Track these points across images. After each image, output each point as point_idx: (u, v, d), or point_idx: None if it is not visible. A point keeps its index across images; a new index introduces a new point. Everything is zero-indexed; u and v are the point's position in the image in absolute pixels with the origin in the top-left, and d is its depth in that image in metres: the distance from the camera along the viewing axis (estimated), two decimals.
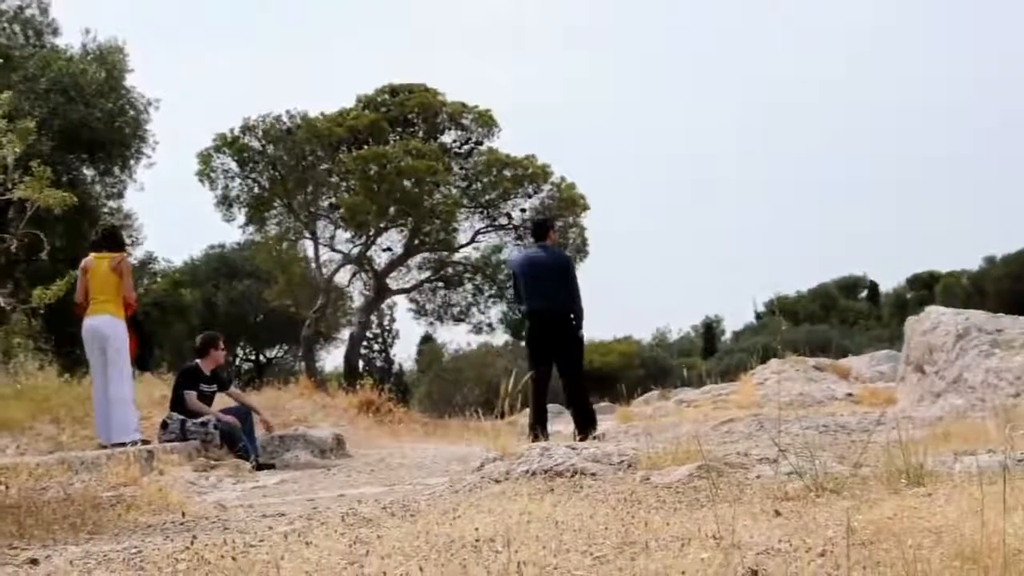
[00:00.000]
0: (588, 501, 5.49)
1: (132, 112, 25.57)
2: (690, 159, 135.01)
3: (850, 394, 18.55)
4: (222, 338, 13.57)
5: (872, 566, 3.64)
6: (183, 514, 7.03)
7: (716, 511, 4.61)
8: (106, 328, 11.93)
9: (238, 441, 12.36)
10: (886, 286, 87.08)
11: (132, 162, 26.16)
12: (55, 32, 26.10)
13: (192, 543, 5.06)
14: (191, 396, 12.74)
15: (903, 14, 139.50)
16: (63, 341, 23.91)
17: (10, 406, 13.97)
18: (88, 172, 25.80)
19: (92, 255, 11.87)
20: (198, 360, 13.16)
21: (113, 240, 12.25)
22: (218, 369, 13.34)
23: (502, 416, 8.59)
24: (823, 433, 10.61)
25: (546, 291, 11.90)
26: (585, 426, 11.48)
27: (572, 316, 11.97)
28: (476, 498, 6.01)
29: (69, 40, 26.51)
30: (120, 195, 27.31)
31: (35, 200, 7.36)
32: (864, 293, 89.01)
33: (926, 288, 76.95)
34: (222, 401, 13.32)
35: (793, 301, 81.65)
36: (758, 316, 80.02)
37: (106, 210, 26.71)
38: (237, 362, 45.78)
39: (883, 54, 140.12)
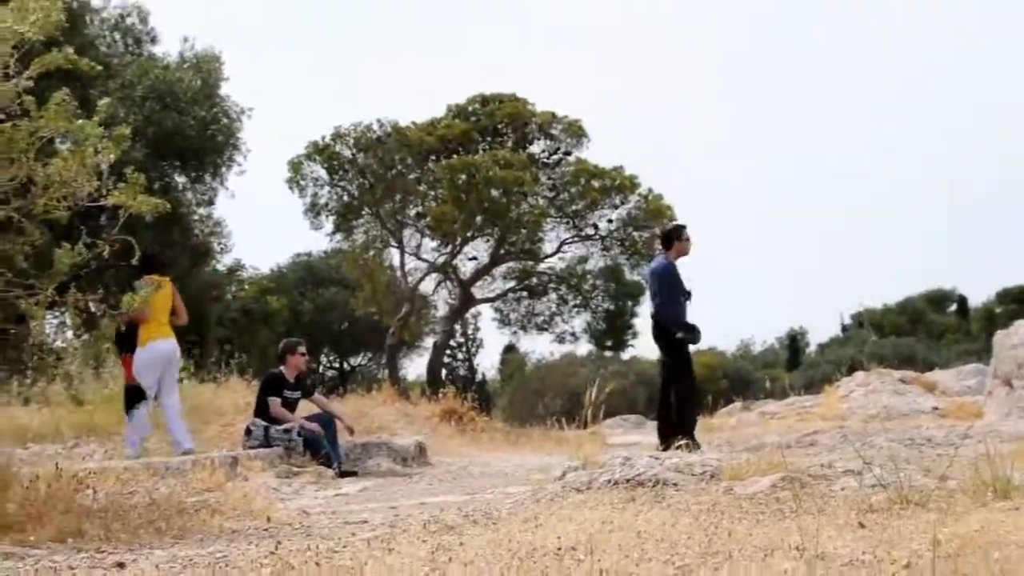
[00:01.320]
0: (670, 511, 5.47)
1: (225, 120, 25.80)
2: (778, 168, 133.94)
3: (936, 407, 18.36)
4: (303, 344, 13.63)
5: None
6: (268, 519, 7.10)
7: (800, 522, 4.59)
8: (178, 352, 12.19)
9: (321, 448, 12.43)
10: (975, 300, 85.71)
11: (224, 170, 26.39)
12: (154, 40, 26.42)
13: (276, 548, 5.11)
14: (275, 403, 12.84)
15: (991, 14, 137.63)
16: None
17: (99, 411, 14.17)
18: (180, 179, 26.07)
19: (155, 276, 11.86)
20: (281, 367, 13.26)
21: (166, 263, 12.38)
22: (301, 376, 13.41)
23: (584, 426, 8.60)
24: (908, 446, 10.51)
25: (651, 299, 12.32)
26: (670, 434, 11.30)
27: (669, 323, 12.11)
28: (558, 507, 6.02)
29: (167, 48, 26.88)
30: (211, 202, 27.56)
31: (128, 206, 7.42)
32: (953, 307, 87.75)
33: (1016, 302, 75.60)
34: (306, 408, 13.40)
35: (880, 314, 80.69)
36: (844, 328, 79.21)
37: (196, 217, 27.00)
38: (321, 369, 46.07)
39: (981, 50, 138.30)
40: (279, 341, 14.45)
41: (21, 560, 5.13)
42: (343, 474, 12.03)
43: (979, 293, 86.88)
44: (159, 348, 11.97)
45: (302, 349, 13.46)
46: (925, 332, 76.70)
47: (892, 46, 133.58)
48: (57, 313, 18.63)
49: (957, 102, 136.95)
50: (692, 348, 12.30)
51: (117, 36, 25.99)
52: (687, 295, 12.10)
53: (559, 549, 4.42)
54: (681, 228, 12.44)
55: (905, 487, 5.49)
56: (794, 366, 70.38)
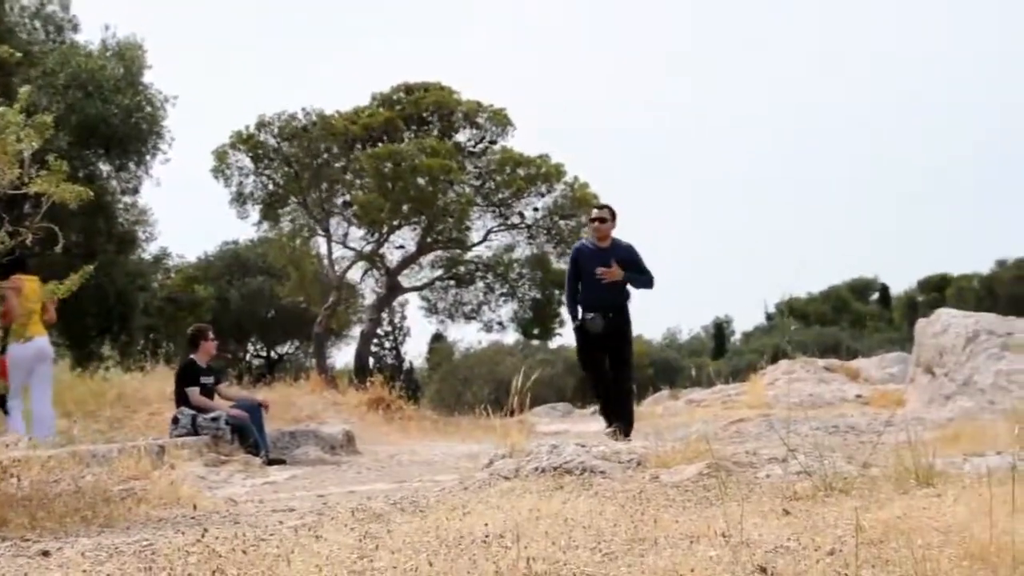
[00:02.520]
0: (597, 498, 5.50)
1: (149, 108, 25.53)
2: (702, 159, 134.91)
3: (860, 395, 18.57)
4: (211, 329, 13.61)
5: (881, 565, 3.65)
6: (194, 507, 7.06)
7: (725, 509, 4.63)
8: (50, 349, 12.46)
9: (249, 436, 12.38)
10: (897, 289, 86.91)
11: (148, 158, 26.10)
12: (75, 28, 26.05)
13: (203, 536, 5.07)
14: (194, 392, 12.79)
15: (907, 17, 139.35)
16: (76, 336, 23.99)
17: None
18: (104, 167, 25.77)
19: (21, 276, 11.88)
20: (192, 355, 13.20)
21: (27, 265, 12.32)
22: (212, 361, 13.38)
23: (512, 414, 8.60)
24: (833, 434, 10.64)
25: None
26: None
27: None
28: (486, 495, 6.03)
29: (89, 36, 26.49)
30: (136, 191, 27.25)
31: (51, 194, 7.34)
32: (875, 296, 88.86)
33: (937, 291, 76.69)
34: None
35: (804, 303, 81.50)
36: (768, 317, 79.83)
37: (121, 206, 26.72)
38: (248, 358, 45.80)
39: (893, 55, 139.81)
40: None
41: None
42: (271, 462, 11.99)
43: (901, 282, 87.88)
44: (37, 344, 12.11)
45: (211, 334, 13.43)
46: (849, 321, 77.62)
47: (807, 37, 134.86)
48: None
49: (877, 91, 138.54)
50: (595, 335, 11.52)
51: (38, 24, 25.61)
52: (582, 278, 11.66)
53: (486, 537, 4.43)
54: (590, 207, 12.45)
55: (829, 474, 5.55)
56: (720, 355, 71.02)
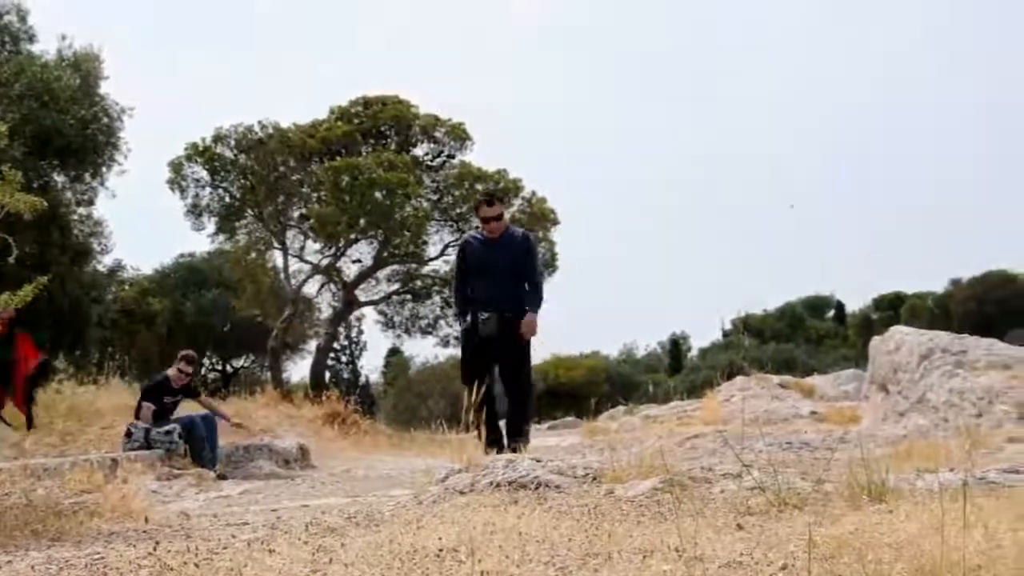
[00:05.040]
0: (552, 513, 5.50)
1: (105, 119, 25.46)
2: (660, 175, 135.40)
3: (815, 412, 18.65)
4: (196, 359, 13.69)
5: None
6: (146, 520, 7.03)
7: (679, 524, 4.63)
8: None
9: (203, 451, 12.37)
10: (852, 306, 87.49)
11: (104, 169, 26.04)
12: (32, 39, 25.96)
13: (155, 550, 5.05)
14: (147, 408, 12.78)
15: (835, 28, 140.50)
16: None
17: None
18: (59, 178, 25.68)
19: None
20: (168, 372, 13.18)
21: None
22: (185, 383, 13.35)
23: (467, 429, 8.59)
24: (787, 450, 10.69)
25: None
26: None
27: None
28: (440, 509, 6.02)
29: (45, 46, 26.39)
30: (91, 202, 27.18)
31: (5, 204, 7.30)
32: (831, 313, 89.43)
33: (892, 309, 77.28)
34: (189, 409, 13.34)
35: (760, 319, 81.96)
36: (725, 334, 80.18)
37: (76, 217, 26.59)
38: (204, 371, 45.60)
39: (851, 72, 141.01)
40: (161, 342, 14.34)
41: None
42: (222, 477, 11.95)
43: (856, 300, 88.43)
44: None
45: (192, 364, 13.47)
46: (804, 338, 78.06)
47: (762, 47, 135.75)
48: None
49: (835, 107, 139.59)
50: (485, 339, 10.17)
51: None
52: (471, 275, 10.50)
53: (440, 551, 4.42)
54: (479, 202, 10.93)
55: (783, 490, 5.57)
56: (676, 371, 71.17)
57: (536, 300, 10.44)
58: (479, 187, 32.06)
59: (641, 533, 4.77)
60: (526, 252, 10.53)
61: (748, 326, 75.86)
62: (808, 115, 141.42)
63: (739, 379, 21.96)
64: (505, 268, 10.32)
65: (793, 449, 11.37)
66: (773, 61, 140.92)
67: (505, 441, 9.82)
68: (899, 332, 16.71)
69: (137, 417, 12.81)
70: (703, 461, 8.02)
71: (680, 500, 5.72)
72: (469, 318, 10.34)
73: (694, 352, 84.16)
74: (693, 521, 4.76)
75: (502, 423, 10.21)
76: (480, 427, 9.35)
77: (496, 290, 10.25)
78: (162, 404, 12.92)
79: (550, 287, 35.56)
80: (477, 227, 10.99)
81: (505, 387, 10.27)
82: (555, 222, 33.54)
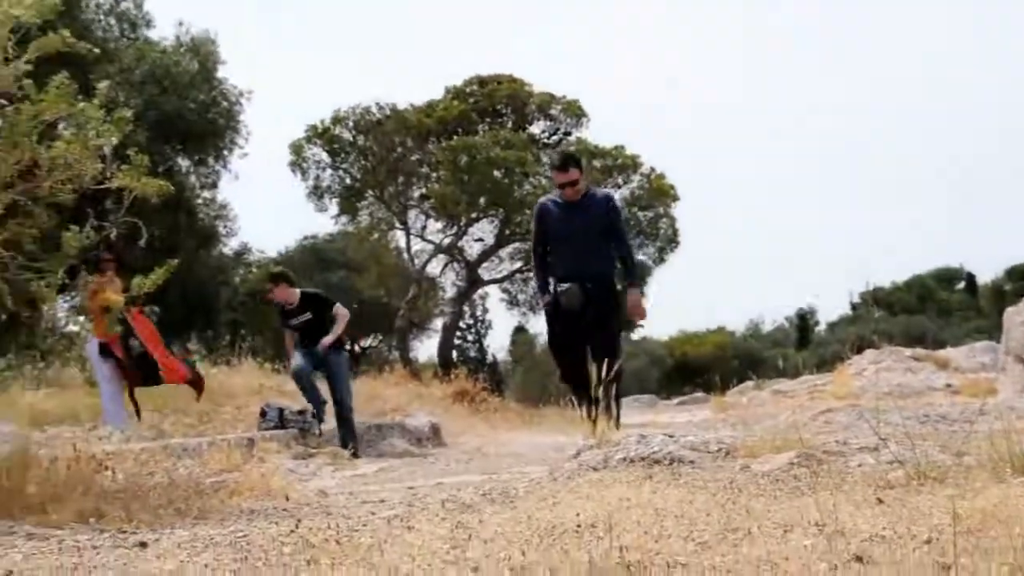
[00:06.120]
0: (687, 488, 5.48)
1: (225, 103, 25.85)
2: (784, 147, 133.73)
3: (949, 384, 18.35)
4: (272, 279, 13.65)
5: (980, 553, 3.60)
6: (287, 499, 7.13)
7: (817, 499, 4.59)
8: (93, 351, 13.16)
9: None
10: (984, 277, 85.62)
11: (226, 152, 26.46)
12: (149, 24, 26.40)
13: (296, 527, 5.12)
14: (288, 337, 13.11)
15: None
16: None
17: None
18: (183, 163, 26.14)
19: (99, 277, 12.32)
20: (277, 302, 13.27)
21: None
22: (291, 305, 13.21)
23: (596, 405, 8.56)
24: (923, 423, 10.50)
25: None
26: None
27: None
28: (575, 485, 6.02)
29: (163, 32, 26.84)
30: (214, 185, 27.65)
31: (133, 189, 7.44)
32: (961, 285, 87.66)
33: None
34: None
35: (888, 292, 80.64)
36: (853, 307, 79.06)
37: (201, 200, 27.05)
38: None
39: (982, 29, 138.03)
40: None
41: (44, 540, 5.15)
42: (356, 455, 12.09)
43: (987, 271, 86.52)
44: (90, 344, 13.25)
45: (270, 285, 13.52)
46: (934, 310, 76.68)
47: (901, 24, 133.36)
48: (68, 297, 18.71)
49: (962, 78, 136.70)
50: (565, 311, 9.59)
51: (112, 21, 25.96)
52: (550, 244, 9.85)
53: (578, 526, 4.42)
54: (552, 167, 10.33)
55: (922, 463, 5.49)
56: (804, 345, 70.38)
57: (636, 273, 10.08)
58: (597, 164, 31.99)
59: (779, 508, 4.74)
60: (609, 215, 9.80)
61: (877, 299, 74.72)
62: (930, 79, 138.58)
63: (870, 352, 21.65)
64: (587, 233, 9.57)
65: (930, 422, 11.18)
66: (897, 37, 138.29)
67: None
68: None
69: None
70: (838, 435, 7.91)
71: (817, 474, 5.67)
72: (550, 291, 9.73)
73: (822, 326, 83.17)
74: (831, 495, 4.71)
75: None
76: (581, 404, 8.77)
77: (577, 258, 9.55)
78: (291, 327, 13.01)
79: (673, 264, 35.48)
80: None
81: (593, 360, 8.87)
82: (675, 198, 33.36)
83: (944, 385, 18.35)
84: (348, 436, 12.45)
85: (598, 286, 9.48)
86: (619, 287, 9.92)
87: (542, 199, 10.18)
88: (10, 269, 7.04)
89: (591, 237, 9.55)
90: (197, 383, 12.95)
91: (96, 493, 6.35)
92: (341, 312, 13.13)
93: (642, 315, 9.95)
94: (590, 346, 9.14)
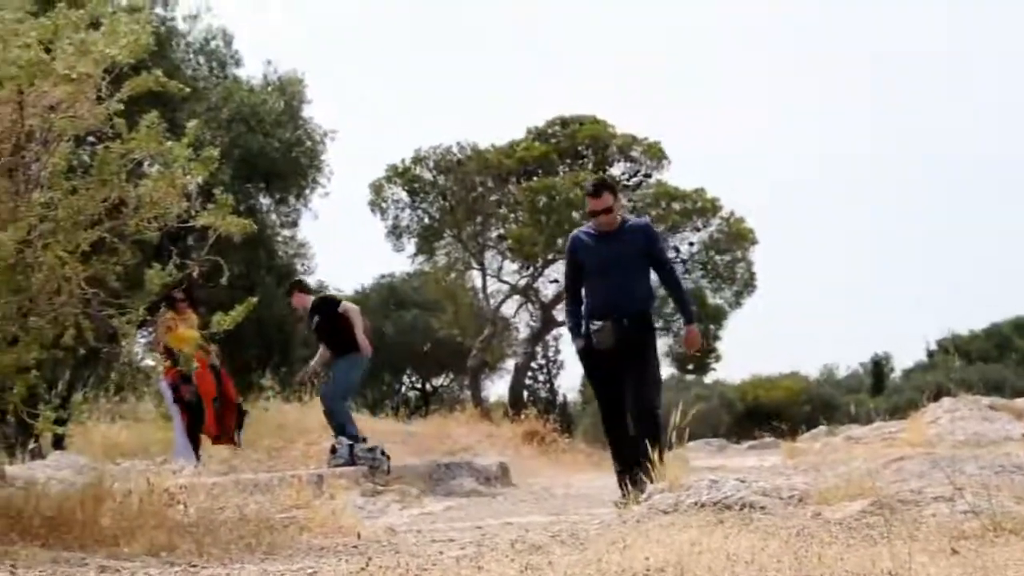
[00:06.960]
0: (759, 534, 5.44)
1: (309, 142, 26.01)
2: (862, 192, 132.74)
3: None
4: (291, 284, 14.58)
5: None
6: (358, 536, 7.16)
7: (891, 548, 4.55)
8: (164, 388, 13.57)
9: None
10: None
11: (307, 192, 26.60)
12: (238, 63, 26.60)
13: (367, 565, 5.14)
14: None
15: None
16: (238, 367, 24.47)
17: None
18: (264, 201, 26.31)
19: (175, 315, 12.61)
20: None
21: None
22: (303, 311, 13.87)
23: (669, 448, 8.51)
24: (999, 473, 10.36)
25: None
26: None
27: None
28: (645, 528, 6.00)
29: (251, 71, 27.06)
30: (295, 224, 27.77)
31: (217, 227, 7.54)
32: None
33: None
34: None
35: (966, 340, 79.62)
36: (929, 355, 78.11)
37: (280, 239, 27.23)
38: (404, 390, 46.26)
39: None
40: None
41: (116, 573, 5.21)
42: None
43: None
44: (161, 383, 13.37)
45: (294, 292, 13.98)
46: (1012, 359, 75.60)
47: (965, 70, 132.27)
48: (146, 332, 18.94)
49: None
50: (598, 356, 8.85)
51: (202, 59, 26.22)
52: (585, 279, 9.07)
53: (648, 570, 4.41)
54: (585, 193, 9.49)
55: (998, 514, 5.42)
56: (879, 391, 69.59)
57: (690, 311, 9.42)
58: (676, 206, 31.91)
59: (852, 556, 4.69)
60: (649, 243, 9.03)
61: (955, 347, 73.89)
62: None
63: (946, 400, 21.38)
64: (623, 265, 8.79)
65: (1005, 472, 11.02)
66: (963, 85, 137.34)
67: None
68: None
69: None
70: (911, 483, 7.82)
71: (890, 523, 5.61)
72: (583, 333, 8.90)
73: (897, 373, 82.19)
74: (905, 544, 4.67)
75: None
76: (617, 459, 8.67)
77: (611, 293, 8.75)
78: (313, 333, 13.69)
79: (749, 308, 35.28)
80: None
81: (628, 409, 8.71)
82: (754, 242, 33.15)
83: (1021, 435, 18.07)
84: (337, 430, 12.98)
85: (634, 322, 8.76)
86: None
87: (575, 231, 9.42)
88: (93, 305, 7.15)
89: (628, 270, 8.80)
90: (225, 437, 13.33)
91: (168, 527, 6.42)
92: (351, 308, 13.36)
93: (696, 347, 9.52)
94: (626, 393, 8.65)
